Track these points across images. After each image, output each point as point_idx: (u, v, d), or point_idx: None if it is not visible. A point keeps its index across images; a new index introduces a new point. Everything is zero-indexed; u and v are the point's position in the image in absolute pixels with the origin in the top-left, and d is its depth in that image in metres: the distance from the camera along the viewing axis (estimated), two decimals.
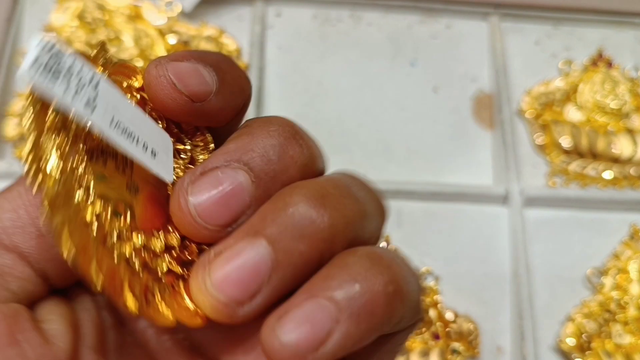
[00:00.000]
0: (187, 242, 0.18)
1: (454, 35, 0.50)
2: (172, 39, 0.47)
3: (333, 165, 0.20)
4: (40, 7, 0.48)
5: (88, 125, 0.16)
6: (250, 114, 0.20)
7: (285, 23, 0.49)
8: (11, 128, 0.43)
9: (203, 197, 0.17)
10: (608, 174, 0.46)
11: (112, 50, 0.45)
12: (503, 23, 0.50)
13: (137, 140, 0.17)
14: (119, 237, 0.17)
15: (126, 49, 0.46)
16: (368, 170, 0.28)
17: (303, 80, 0.47)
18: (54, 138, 0.16)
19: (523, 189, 0.44)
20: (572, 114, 0.48)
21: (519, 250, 0.42)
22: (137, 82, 0.19)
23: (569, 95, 0.48)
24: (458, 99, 0.48)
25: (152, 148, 0.18)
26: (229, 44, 0.47)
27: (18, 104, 0.45)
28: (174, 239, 0.18)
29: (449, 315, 0.41)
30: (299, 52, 0.48)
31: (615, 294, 0.42)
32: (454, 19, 0.50)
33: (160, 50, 0.46)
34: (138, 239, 0.17)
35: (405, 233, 0.43)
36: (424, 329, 0.40)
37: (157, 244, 0.18)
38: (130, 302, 0.16)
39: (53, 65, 0.15)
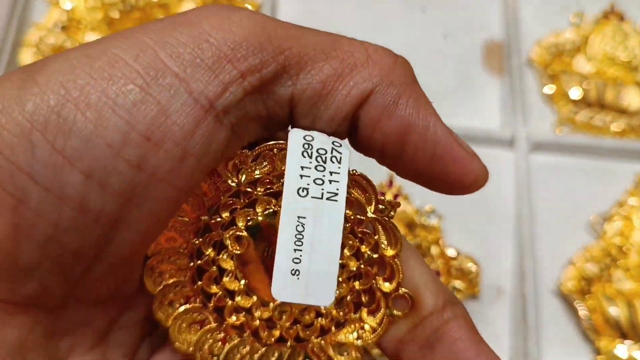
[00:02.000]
0: None
1: None
2: None
3: None
4: None
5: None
6: None
7: None
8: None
9: None
10: (616, 125, 0.46)
11: None
12: None
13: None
14: None
15: None
16: None
17: (315, 23, 0.46)
18: None
19: (530, 134, 0.44)
20: (582, 65, 0.48)
21: (523, 193, 0.42)
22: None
23: (580, 46, 0.48)
24: (468, 46, 0.48)
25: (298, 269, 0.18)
26: None
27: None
28: None
29: (451, 252, 0.41)
30: None
31: (617, 241, 0.42)
32: None
33: None
34: None
35: None
36: None
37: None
38: None
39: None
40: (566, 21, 0.49)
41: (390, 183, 0.42)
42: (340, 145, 0.18)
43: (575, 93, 0.46)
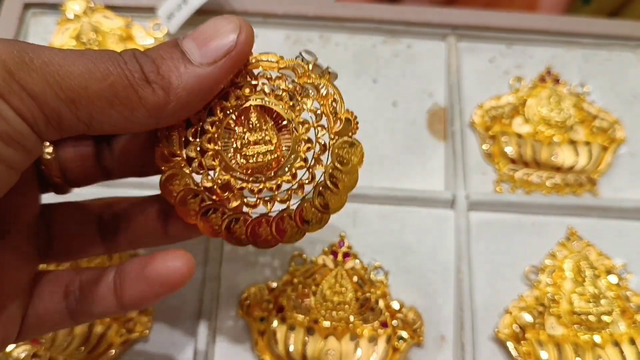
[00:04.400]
0: None
1: (414, 54, 0.55)
2: None
3: None
4: (43, 27, 0.54)
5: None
6: None
7: (260, 43, 0.53)
8: None
9: None
10: (551, 182, 0.50)
11: None
12: (460, 43, 0.55)
13: None
14: None
15: None
16: None
17: None
18: None
19: (469, 193, 0.48)
20: (520, 126, 0.52)
21: (462, 249, 0.47)
22: None
23: (518, 109, 0.53)
24: (415, 112, 0.53)
25: None
26: None
27: None
28: None
29: (395, 305, 0.45)
30: None
31: (550, 290, 0.46)
32: (415, 40, 0.55)
33: None
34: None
35: (359, 232, 0.48)
36: (372, 318, 0.45)
37: None
38: None
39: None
40: (508, 85, 0.54)
41: (341, 242, 0.47)
42: None
43: (511, 151, 0.51)
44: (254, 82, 0.32)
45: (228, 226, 0.33)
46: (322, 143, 0.32)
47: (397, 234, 0.48)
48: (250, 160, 0.32)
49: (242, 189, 0.32)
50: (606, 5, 0.66)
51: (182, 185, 0.32)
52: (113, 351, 0.43)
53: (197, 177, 0.32)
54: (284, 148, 0.32)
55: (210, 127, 0.32)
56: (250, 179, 0.32)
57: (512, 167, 0.51)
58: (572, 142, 0.51)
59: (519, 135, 0.51)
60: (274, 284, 0.46)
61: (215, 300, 0.45)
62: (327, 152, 0.32)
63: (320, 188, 0.33)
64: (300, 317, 0.44)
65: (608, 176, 0.52)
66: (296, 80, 0.32)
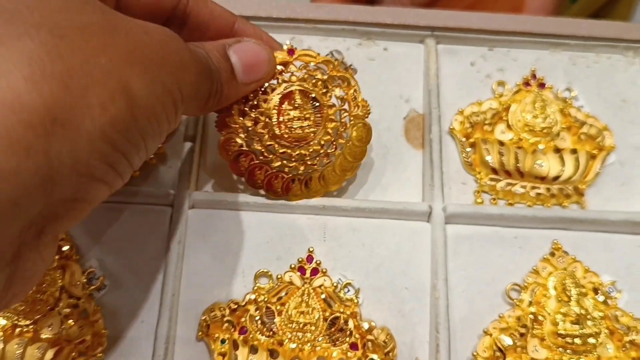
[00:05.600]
0: None
1: (390, 57, 0.52)
2: None
3: None
4: None
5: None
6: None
7: None
8: None
9: None
10: (535, 192, 0.47)
11: None
12: (440, 45, 0.52)
13: None
14: None
15: None
16: None
17: None
18: None
19: (446, 205, 0.45)
20: (502, 133, 0.49)
21: (439, 265, 0.44)
22: None
23: (501, 115, 0.50)
24: (391, 119, 0.50)
25: None
26: None
27: None
28: None
29: (365, 326, 0.42)
30: None
31: (533, 309, 0.43)
32: (392, 42, 0.52)
33: None
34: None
35: (329, 247, 0.45)
36: (342, 340, 0.42)
37: None
38: None
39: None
40: (490, 90, 0.51)
41: (310, 258, 0.44)
42: None
43: (492, 161, 0.48)
44: (297, 73, 0.42)
45: (269, 180, 0.43)
46: (344, 122, 0.43)
47: (369, 249, 0.45)
48: (293, 132, 0.42)
49: (283, 152, 0.42)
50: (592, 3, 0.63)
51: (237, 146, 0.42)
52: None
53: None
54: (317, 123, 0.42)
55: (263, 103, 0.41)
56: (291, 145, 0.42)
57: (494, 177, 0.48)
58: (558, 150, 0.48)
59: (501, 143, 0.48)
60: (237, 304, 0.42)
61: (174, 321, 0.42)
62: (346, 129, 0.43)
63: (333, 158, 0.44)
64: (263, 338, 0.41)
65: (596, 186, 0.49)
66: (328, 72, 0.43)
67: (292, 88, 0.42)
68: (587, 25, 0.52)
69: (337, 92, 0.43)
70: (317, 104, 0.42)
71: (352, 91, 0.43)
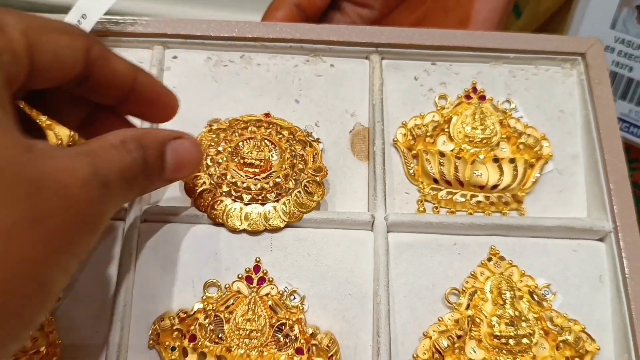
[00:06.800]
0: None
1: (337, 73, 0.54)
2: None
3: None
4: None
5: None
6: None
7: (181, 65, 0.53)
8: None
9: None
10: (475, 201, 0.49)
11: None
12: (385, 61, 0.54)
13: None
14: None
15: None
16: None
17: (195, 117, 0.51)
18: None
19: (387, 215, 0.47)
20: (444, 144, 0.51)
21: (380, 272, 0.46)
22: None
23: (442, 127, 0.52)
24: (338, 133, 0.52)
25: None
26: None
27: None
28: None
29: (309, 332, 0.44)
30: (192, 91, 0.52)
31: (470, 312, 0.45)
32: (338, 59, 0.54)
33: None
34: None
35: (276, 257, 0.46)
36: (288, 345, 0.44)
37: None
38: None
39: None
40: (432, 103, 0.53)
41: (257, 267, 0.46)
42: None
43: (433, 171, 0.50)
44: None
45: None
46: (297, 176, 0.47)
47: (315, 258, 0.47)
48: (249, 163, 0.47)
49: (234, 182, 0.46)
50: (537, 17, 0.65)
51: (200, 185, 0.47)
52: None
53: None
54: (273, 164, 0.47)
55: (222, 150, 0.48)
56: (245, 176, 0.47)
57: (435, 187, 0.50)
58: (497, 160, 0.50)
59: (442, 154, 0.51)
60: (186, 313, 0.44)
61: (126, 330, 0.44)
62: (298, 182, 0.47)
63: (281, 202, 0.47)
64: (212, 345, 0.43)
65: (535, 194, 0.51)
66: (295, 136, 0.49)
67: (257, 136, 0.48)
68: (526, 39, 0.54)
69: (298, 148, 0.48)
70: (277, 148, 0.48)
71: (312, 154, 0.49)
